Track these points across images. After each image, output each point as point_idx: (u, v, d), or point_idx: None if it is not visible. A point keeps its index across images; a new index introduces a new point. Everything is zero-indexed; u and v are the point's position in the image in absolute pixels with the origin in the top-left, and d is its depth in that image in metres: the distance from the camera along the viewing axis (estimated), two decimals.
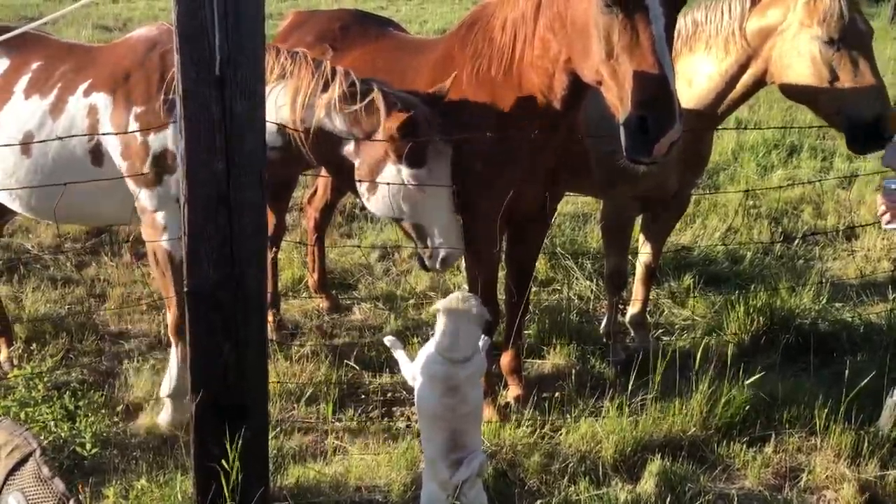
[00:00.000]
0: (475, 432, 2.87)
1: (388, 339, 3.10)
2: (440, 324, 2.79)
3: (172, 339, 3.50)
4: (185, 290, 2.60)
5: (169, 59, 3.23)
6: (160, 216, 3.32)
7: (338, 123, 3.13)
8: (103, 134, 3.28)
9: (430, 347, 2.83)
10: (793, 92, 3.42)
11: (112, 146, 3.30)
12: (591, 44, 2.73)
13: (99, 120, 3.30)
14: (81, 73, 3.40)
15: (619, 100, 2.66)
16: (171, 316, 3.45)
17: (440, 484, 2.75)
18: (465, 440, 2.80)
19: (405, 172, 3.07)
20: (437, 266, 3.25)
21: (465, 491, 2.76)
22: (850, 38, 3.20)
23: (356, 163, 3.20)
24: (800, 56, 3.28)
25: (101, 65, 3.40)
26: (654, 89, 2.56)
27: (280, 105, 3.15)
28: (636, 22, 2.60)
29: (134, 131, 3.23)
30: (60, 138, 3.23)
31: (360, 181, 3.20)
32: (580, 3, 2.77)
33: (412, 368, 2.89)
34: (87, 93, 3.34)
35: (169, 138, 3.20)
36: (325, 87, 3.11)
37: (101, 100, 3.31)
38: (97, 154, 3.33)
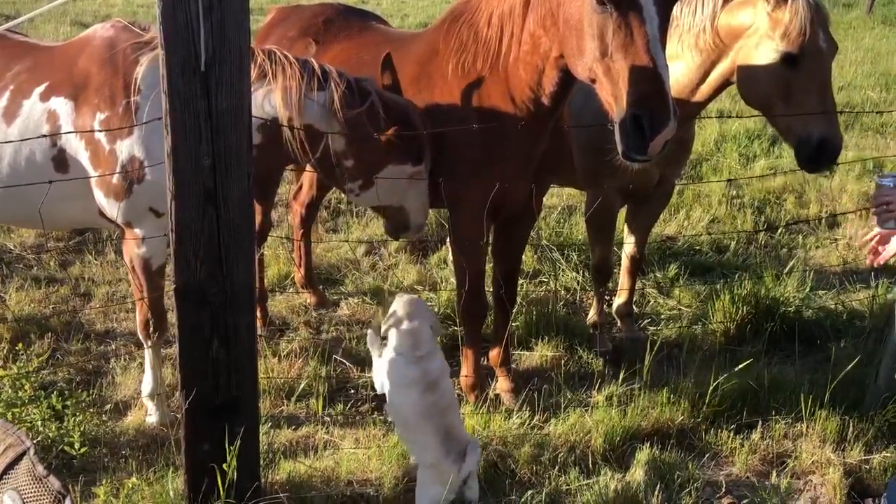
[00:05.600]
0: (460, 422, 2.89)
1: (368, 336, 3.10)
2: (394, 330, 2.81)
3: (142, 339, 3.49)
4: (173, 287, 2.59)
5: (130, 61, 3.14)
6: (135, 227, 3.23)
7: (334, 125, 3.14)
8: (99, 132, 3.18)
9: (390, 356, 2.84)
10: (750, 98, 3.41)
11: (79, 153, 3.17)
12: (585, 42, 2.73)
13: (60, 126, 3.15)
14: (36, 74, 3.24)
15: (613, 98, 2.66)
16: (139, 316, 3.44)
17: (445, 484, 2.73)
18: (456, 432, 2.81)
19: (410, 170, 3.25)
20: (412, 234, 3.58)
21: (470, 483, 2.77)
22: (809, 55, 3.14)
23: (348, 163, 3.23)
24: (758, 65, 3.24)
25: (57, 66, 3.25)
26: (649, 88, 2.56)
27: (261, 103, 3.13)
28: (630, 21, 2.59)
29: (92, 130, 3.10)
30: (42, 137, 3.16)
31: (353, 179, 3.27)
32: (573, 1, 2.76)
33: (380, 378, 2.89)
34: (44, 97, 3.19)
35: (136, 144, 3.09)
36: (321, 87, 3.10)
37: (62, 105, 3.16)
38: (61, 161, 3.18)
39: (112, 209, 3.19)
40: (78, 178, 3.15)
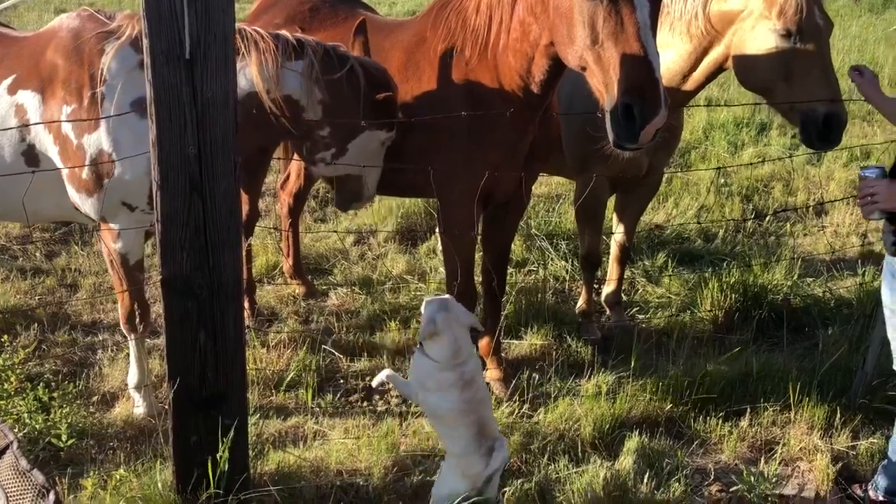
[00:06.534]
0: (493, 417, 2.85)
1: (383, 376, 2.93)
2: (432, 340, 2.72)
3: (126, 332, 3.46)
4: (160, 278, 2.57)
5: (95, 51, 3.08)
6: (110, 222, 3.18)
7: (314, 92, 3.14)
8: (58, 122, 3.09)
9: (424, 359, 2.74)
10: (749, 82, 3.39)
11: (49, 148, 3.11)
12: (576, 30, 2.71)
13: (29, 120, 3.08)
14: (2, 67, 3.17)
15: (604, 86, 2.65)
16: (122, 310, 3.41)
17: (472, 478, 2.69)
18: (489, 427, 2.78)
19: (384, 136, 3.29)
20: (362, 205, 3.67)
21: (494, 482, 2.74)
22: (807, 32, 3.14)
23: (324, 131, 3.24)
24: (757, 47, 3.23)
25: (25, 58, 3.17)
26: (640, 76, 2.55)
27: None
28: (621, 8, 2.58)
29: (57, 121, 3.04)
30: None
31: (327, 147, 3.28)
32: None
33: (413, 386, 2.81)
34: (11, 90, 3.12)
35: (103, 138, 3.02)
36: (298, 56, 3.10)
37: (30, 98, 3.09)
38: (31, 156, 3.12)
39: (85, 204, 3.15)
40: (47, 171, 3.09)
